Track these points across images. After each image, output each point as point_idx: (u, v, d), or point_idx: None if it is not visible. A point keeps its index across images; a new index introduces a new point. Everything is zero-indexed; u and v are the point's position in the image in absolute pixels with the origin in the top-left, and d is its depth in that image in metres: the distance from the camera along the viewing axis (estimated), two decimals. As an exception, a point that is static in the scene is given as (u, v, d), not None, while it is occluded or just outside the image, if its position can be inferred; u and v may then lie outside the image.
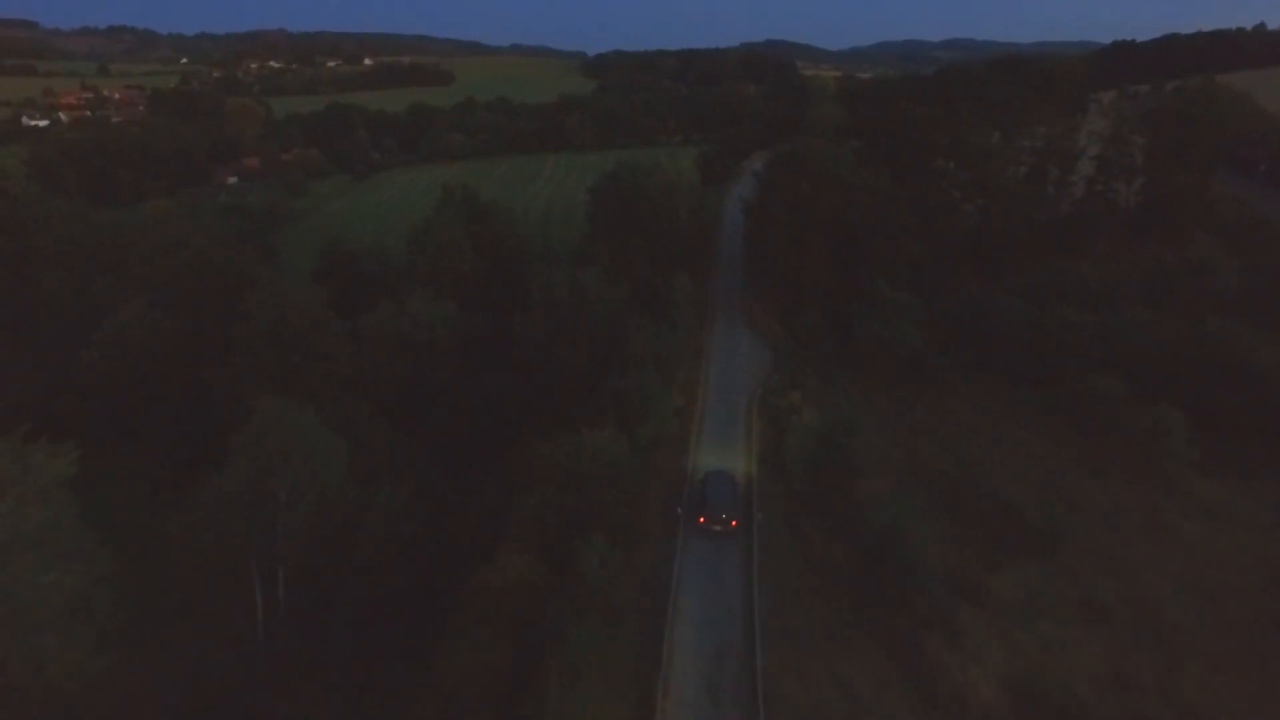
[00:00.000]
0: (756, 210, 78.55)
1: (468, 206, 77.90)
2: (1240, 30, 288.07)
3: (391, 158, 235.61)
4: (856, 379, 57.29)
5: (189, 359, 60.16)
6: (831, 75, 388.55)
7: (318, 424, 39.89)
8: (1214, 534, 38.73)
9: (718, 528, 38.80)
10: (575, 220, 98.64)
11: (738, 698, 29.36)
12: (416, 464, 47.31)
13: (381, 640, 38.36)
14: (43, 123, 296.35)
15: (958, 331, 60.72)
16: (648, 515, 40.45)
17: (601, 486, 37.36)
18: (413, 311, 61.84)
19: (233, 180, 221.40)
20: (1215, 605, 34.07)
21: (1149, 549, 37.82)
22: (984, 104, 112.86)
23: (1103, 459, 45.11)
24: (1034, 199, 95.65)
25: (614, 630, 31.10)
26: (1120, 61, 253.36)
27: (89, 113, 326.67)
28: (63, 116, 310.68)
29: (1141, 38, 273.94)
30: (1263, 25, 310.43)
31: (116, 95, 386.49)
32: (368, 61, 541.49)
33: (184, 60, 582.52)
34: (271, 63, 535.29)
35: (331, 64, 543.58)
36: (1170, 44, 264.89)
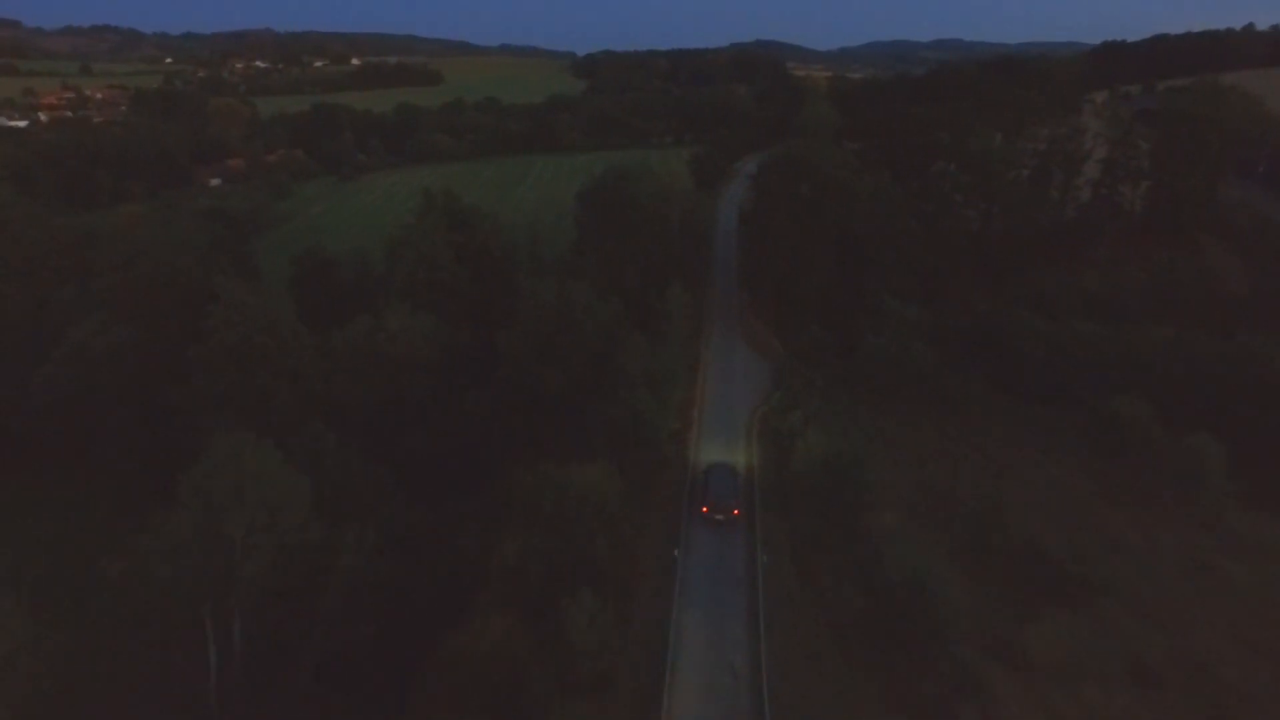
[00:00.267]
0: (753, 217, 75.05)
1: (449, 213, 73.90)
2: (1230, 30, 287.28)
3: (378, 159, 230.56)
4: (862, 398, 53.80)
5: (148, 379, 56.00)
6: (823, 75, 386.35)
7: (277, 459, 36.00)
8: (1263, 577, 35.42)
9: (720, 517, 40.16)
10: (564, 225, 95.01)
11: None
12: (390, 498, 43.45)
13: (346, 703, 34.52)
14: (21, 123, 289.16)
15: (967, 347, 57.35)
16: (642, 559, 36.79)
17: (590, 531, 33.68)
18: (389, 327, 57.93)
19: (216, 182, 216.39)
20: (1273, 663, 30.70)
21: (1194, 596, 34.46)
22: (982, 105, 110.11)
23: (1134, 491, 41.80)
24: (1037, 203, 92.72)
25: (605, 703, 27.43)
26: (1111, 62, 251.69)
27: (70, 113, 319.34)
28: (42, 117, 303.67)
29: (1131, 38, 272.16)
30: (1252, 26, 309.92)
31: (99, 95, 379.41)
32: (355, 61, 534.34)
33: (168, 60, 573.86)
34: (257, 62, 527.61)
35: (318, 64, 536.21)
36: (1161, 44, 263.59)
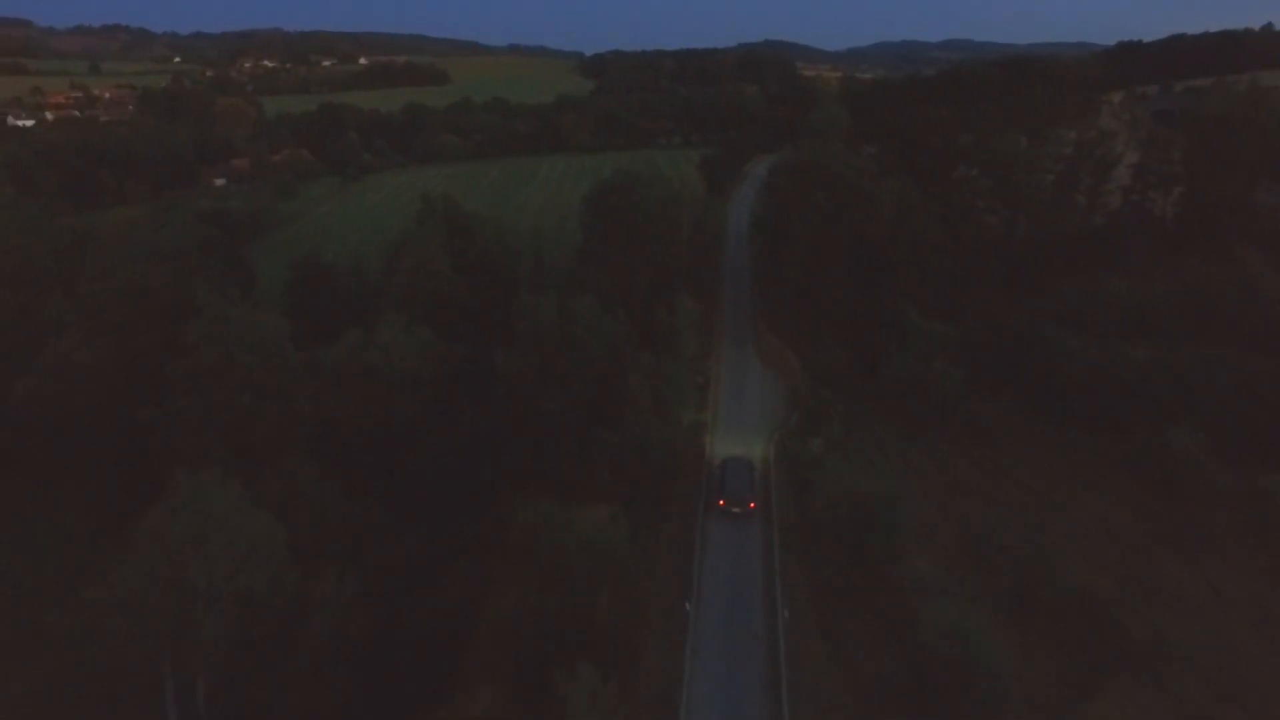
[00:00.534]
0: (767, 224, 71.21)
1: (449, 220, 70.39)
2: (1248, 31, 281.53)
3: (383, 159, 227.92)
4: (886, 424, 49.98)
5: (129, 396, 52.69)
6: (833, 75, 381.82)
7: (245, 500, 32.60)
8: (1347, 640, 31.56)
9: (736, 509, 40.81)
10: (569, 230, 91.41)
11: None
12: (374, 536, 39.93)
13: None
14: (28, 123, 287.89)
15: (998, 367, 53.44)
16: (649, 610, 33.16)
17: (592, 586, 30.09)
18: (382, 342, 54.49)
19: (220, 182, 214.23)
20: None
21: (1270, 659, 30.59)
22: (1004, 106, 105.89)
23: (1192, 534, 37.87)
24: (1063, 209, 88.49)
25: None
26: (1126, 62, 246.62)
27: (77, 112, 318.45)
28: (49, 116, 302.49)
29: (1146, 38, 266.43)
30: (1270, 26, 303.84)
31: (107, 95, 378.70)
32: (363, 61, 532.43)
33: (177, 59, 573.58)
34: (265, 62, 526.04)
35: (326, 63, 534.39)
36: (1177, 44, 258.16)
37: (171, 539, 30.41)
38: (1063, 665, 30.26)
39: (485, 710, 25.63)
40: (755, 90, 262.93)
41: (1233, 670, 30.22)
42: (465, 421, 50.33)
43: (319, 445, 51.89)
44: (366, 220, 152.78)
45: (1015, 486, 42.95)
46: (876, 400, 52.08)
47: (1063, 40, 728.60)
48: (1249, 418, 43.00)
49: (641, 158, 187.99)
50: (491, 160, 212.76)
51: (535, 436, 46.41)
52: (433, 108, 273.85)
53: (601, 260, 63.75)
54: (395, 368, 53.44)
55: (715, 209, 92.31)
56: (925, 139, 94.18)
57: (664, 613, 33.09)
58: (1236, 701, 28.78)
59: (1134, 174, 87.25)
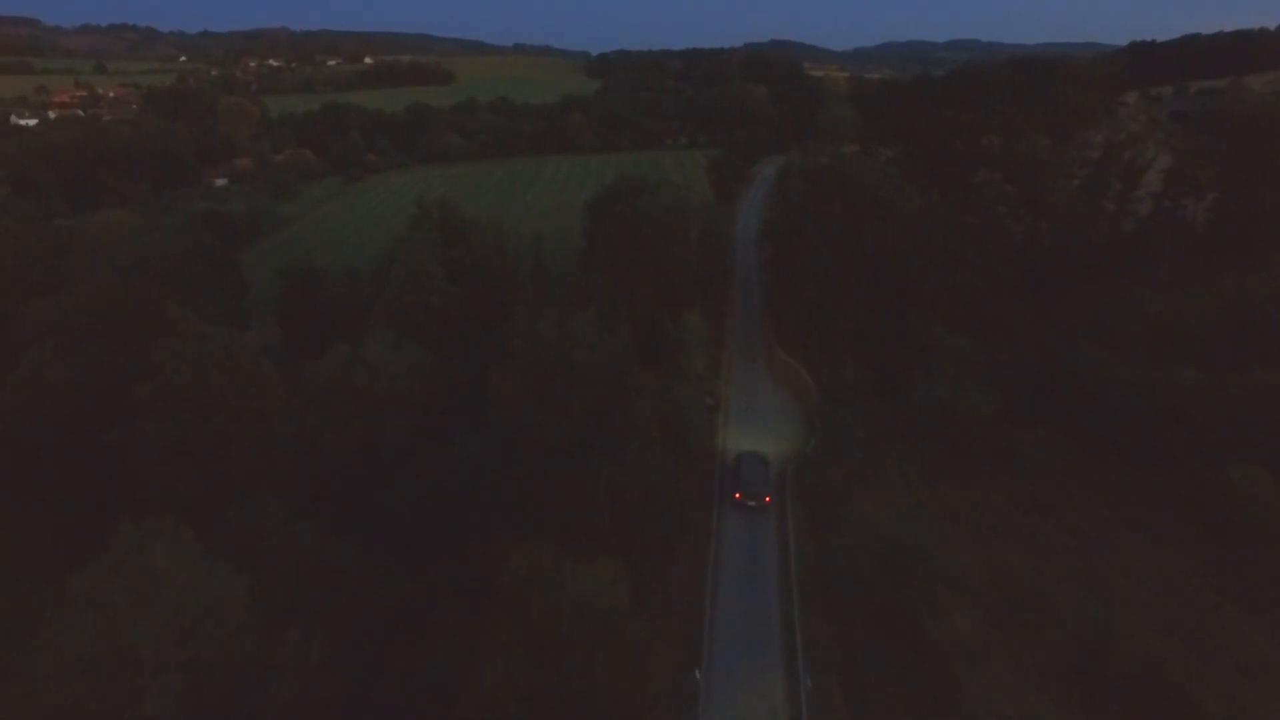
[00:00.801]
0: (780, 233, 67.22)
1: (445, 226, 66.59)
2: (1263, 30, 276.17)
3: (387, 159, 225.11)
4: (911, 453, 46.09)
5: (98, 418, 49.13)
6: (841, 76, 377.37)
7: (198, 554, 28.92)
8: None
9: (752, 503, 41.08)
10: (573, 234, 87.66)
11: None
12: (350, 581, 36.18)
13: None
14: (30, 122, 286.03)
15: (1031, 391, 49.49)
16: (653, 679, 29.33)
17: (590, 659, 26.27)
18: (368, 359, 50.86)
19: (221, 182, 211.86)
20: None
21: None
22: (1027, 108, 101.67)
23: (1264, 588, 33.86)
24: (1091, 216, 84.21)
25: None
26: (1139, 62, 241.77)
27: (80, 112, 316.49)
28: (52, 115, 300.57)
29: (1155, 38, 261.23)
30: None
31: (111, 94, 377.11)
32: (368, 60, 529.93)
33: (183, 59, 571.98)
34: (271, 61, 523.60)
35: (332, 62, 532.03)
36: (1191, 44, 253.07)
37: (110, 601, 26.77)
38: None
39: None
40: (762, 90, 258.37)
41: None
42: (456, 449, 46.54)
43: (299, 471, 48.39)
44: (366, 222, 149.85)
45: (1056, 527, 38.98)
46: (899, 425, 48.29)
47: (1070, 40, 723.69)
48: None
49: (647, 159, 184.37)
50: (496, 161, 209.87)
51: (530, 468, 42.61)
52: (437, 108, 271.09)
53: (604, 272, 59.92)
54: (382, 387, 49.88)
55: (725, 217, 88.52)
56: (945, 142, 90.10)
57: (670, 685, 29.28)
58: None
59: (1165, 179, 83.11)
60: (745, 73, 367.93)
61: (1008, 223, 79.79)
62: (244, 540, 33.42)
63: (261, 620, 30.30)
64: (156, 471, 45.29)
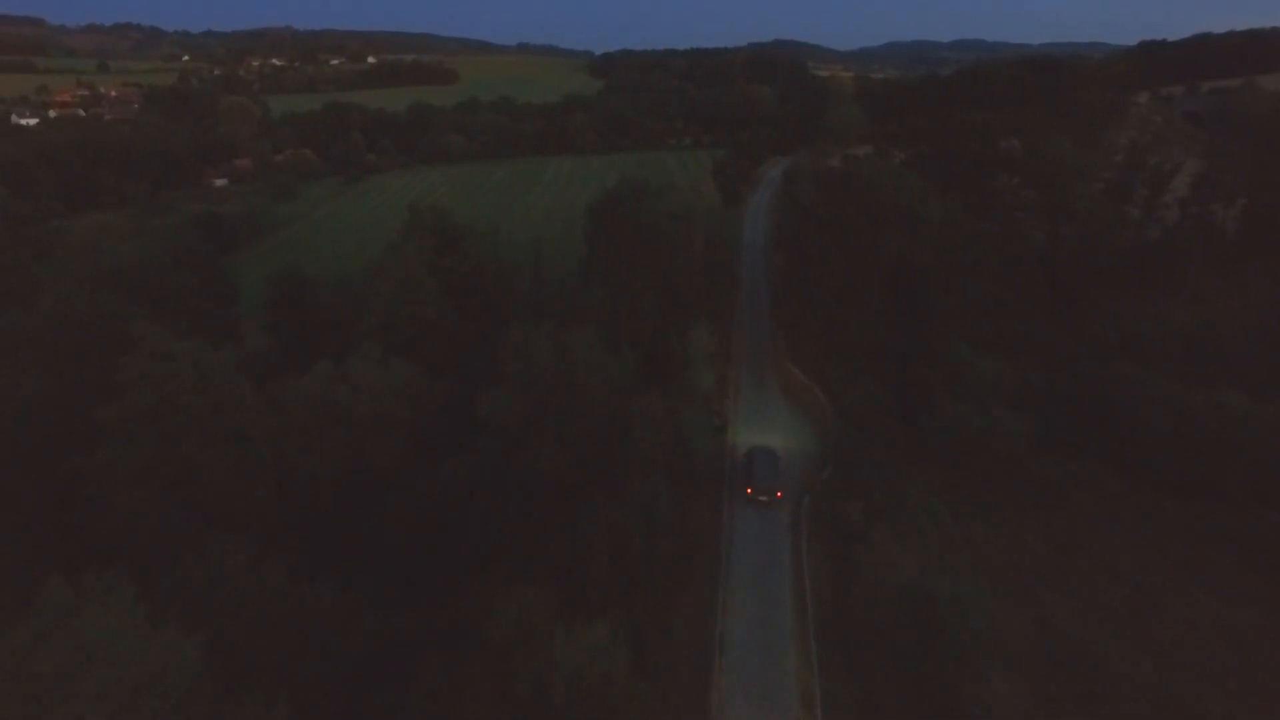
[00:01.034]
0: (790, 242, 63.70)
1: (438, 233, 63.20)
2: (1276, 30, 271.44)
3: (388, 159, 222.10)
4: (936, 485, 42.48)
5: (55, 442, 45.89)
6: (846, 75, 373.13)
7: (141, 616, 25.55)
8: None
9: (764, 498, 41.11)
10: (573, 239, 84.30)
11: None
12: (322, 628, 32.82)
13: None
14: (31, 121, 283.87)
15: (1065, 415, 45.80)
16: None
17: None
18: (354, 377, 47.57)
19: (221, 182, 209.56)
20: None
21: None
22: (1046, 109, 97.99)
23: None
24: (1115, 222, 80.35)
25: None
26: (1149, 62, 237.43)
27: (82, 111, 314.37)
28: (52, 115, 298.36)
29: (1165, 37, 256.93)
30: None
31: (113, 93, 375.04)
32: (371, 60, 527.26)
33: (186, 58, 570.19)
34: (274, 60, 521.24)
35: (335, 62, 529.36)
36: (1202, 44, 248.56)
37: (36, 672, 23.45)
38: None
39: None
40: (767, 90, 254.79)
41: None
42: (443, 480, 43.09)
43: (274, 499, 45.05)
44: (364, 225, 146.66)
45: (1100, 571, 35.38)
46: (922, 452, 44.65)
47: (1077, 40, 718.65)
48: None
49: (651, 159, 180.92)
50: (497, 161, 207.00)
51: (523, 505, 39.12)
52: (439, 107, 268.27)
53: (605, 283, 56.42)
54: (366, 408, 46.56)
55: (730, 221, 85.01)
56: (960, 144, 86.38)
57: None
58: None
59: (1192, 184, 79.34)
60: (749, 72, 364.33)
61: (1028, 230, 76.17)
62: (201, 591, 29.99)
63: (218, 686, 26.95)
64: (119, 501, 42.00)
